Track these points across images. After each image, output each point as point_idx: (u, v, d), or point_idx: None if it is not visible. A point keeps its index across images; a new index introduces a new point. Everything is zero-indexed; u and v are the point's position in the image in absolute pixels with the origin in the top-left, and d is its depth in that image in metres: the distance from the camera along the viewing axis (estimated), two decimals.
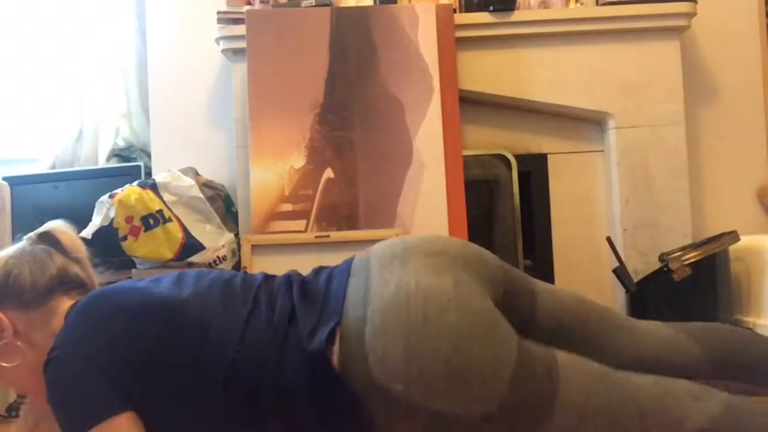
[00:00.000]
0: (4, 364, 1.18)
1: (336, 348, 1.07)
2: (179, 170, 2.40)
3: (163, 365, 1.10)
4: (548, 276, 2.50)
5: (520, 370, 1.03)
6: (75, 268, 1.27)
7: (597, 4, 2.51)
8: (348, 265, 1.21)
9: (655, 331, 1.33)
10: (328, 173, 2.34)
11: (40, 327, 1.19)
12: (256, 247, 2.22)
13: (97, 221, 2.26)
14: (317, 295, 1.17)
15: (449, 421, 1.01)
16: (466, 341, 1.02)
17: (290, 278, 1.24)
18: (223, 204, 2.43)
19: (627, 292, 2.26)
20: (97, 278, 1.33)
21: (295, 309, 1.15)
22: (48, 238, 1.28)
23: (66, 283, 1.24)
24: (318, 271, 1.27)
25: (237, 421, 1.11)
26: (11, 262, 1.22)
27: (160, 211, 2.27)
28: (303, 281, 1.23)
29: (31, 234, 1.29)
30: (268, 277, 1.26)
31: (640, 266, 2.37)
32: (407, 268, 1.10)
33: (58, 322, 1.18)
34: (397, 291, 1.07)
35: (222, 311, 1.15)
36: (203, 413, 1.11)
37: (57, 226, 1.32)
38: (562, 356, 1.10)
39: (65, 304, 1.21)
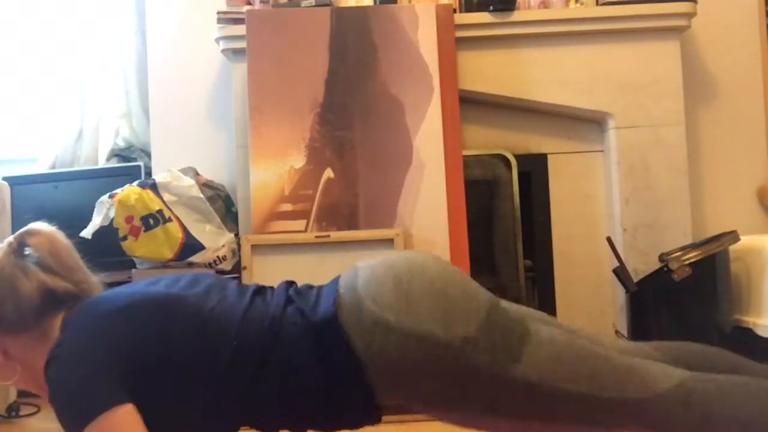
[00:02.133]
0: (6, 379, 1.20)
1: (334, 309, 1.14)
2: (179, 170, 2.40)
3: (165, 355, 1.11)
4: (548, 276, 2.50)
5: (494, 306, 1.16)
6: (58, 282, 1.19)
7: (597, 4, 2.51)
8: (335, 279, 1.26)
9: (636, 350, 1.33)
10: (328, 173, 2.34)
11: (35, 346, 1.17)
12: (256, 247, 2.21)
13: (97, 221, 2.26)
14: (310, 292, 1.23)
15: (438, 354, 1.10)
16: (446, 282, 1.16)
17: (281, 286, 1.27)
18: (223, 204, 2.43)
19: (627, 292, 2.26)
20: (96, 278, 1.28)
21: (290, 299, 1.20)
22: (22, 251, 1.20)
23: (53, 301, 1.19)
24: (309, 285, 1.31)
25: (239, 406, 1.13)
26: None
27: (160, 211, 2.27)
28: (296, 287, 1.27)
29: (11, 241, 1.21)
30: (260, 285, 1.29)
31: (640, 266, 2.37)
32: (390, 252, 1.23)
33: (54, 336, 1.17)
34: (384, 258, 1.21)
35: (221, 302, 1.18)
36: (205, 402, 1.12)
37: (36, 231, 1.23)
38: (533, 324, 1.18)
39: (59, 318, 1.19)
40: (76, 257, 1.26)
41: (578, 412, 1.13)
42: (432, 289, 1.14)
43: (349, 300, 1.13)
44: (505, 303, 1.21)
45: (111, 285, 1.29)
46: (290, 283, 1.27)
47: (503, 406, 1.13)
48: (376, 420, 1.18)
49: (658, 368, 1.17)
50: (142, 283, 1.24)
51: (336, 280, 1.21)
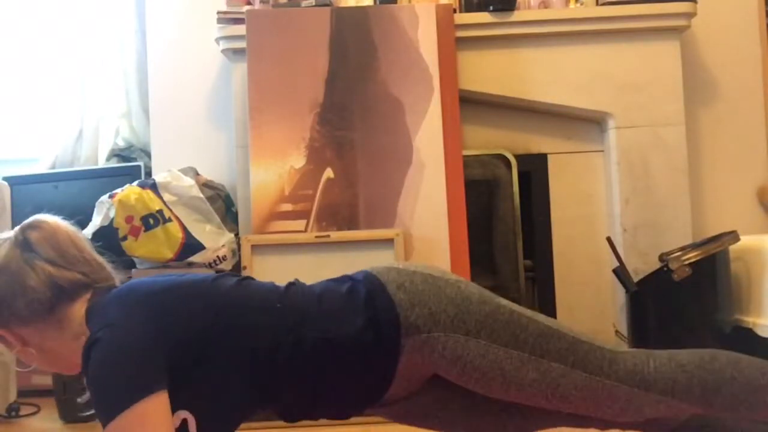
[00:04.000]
0: (21, 370, 1.22)
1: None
2: (179, 170, 2.40)
3: (208, 335, 1.13)
4: (548, 276, 2.51)
5: (487, 293, 1.22)
6: (65, 273, 1.19)
7: (597, 4, 2.51)
8: None
9: None
10: (328, 173, 2.34)
11: (54, 335, 1.19)
12: (256, 247, 2.21)
13: (97, 221, 2.26)
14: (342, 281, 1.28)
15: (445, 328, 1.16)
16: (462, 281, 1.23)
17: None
18: (223, 204, 2.43)
19: (627, 292, 2.26)
20: (109, 265, 1.29)
21: (321, 293, 1.24)
22: (27, 245, 1.20)
23: (64, 293, 1.19)
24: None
25: (275, 385, 1.16)
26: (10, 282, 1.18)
27: (160, 211, 2.27)
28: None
29: (16, 234, 1.21)
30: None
31: (640, 266, 2.37)
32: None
33: (74, 325, 1.19)
34: (406, 266, 1.26)
35: (258, 287, 1.23)
36: (244, 382, 1.14)
37: (38, 225, 1.22)
38: None
39: (76, 308, 1.20)
40: (82, 246, 1.25)
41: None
42: (456, 281, 1.23)
43: (389, 283, 1.20)
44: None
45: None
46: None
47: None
48: (380, 399, 1.22)
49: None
50: (167, 275, 1.27)
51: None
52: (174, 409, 1.08)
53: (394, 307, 1.16)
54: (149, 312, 1.13)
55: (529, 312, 1.22)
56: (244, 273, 2.17)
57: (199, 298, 1.17)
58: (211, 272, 1.34)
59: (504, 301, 1.22)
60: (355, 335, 1.16)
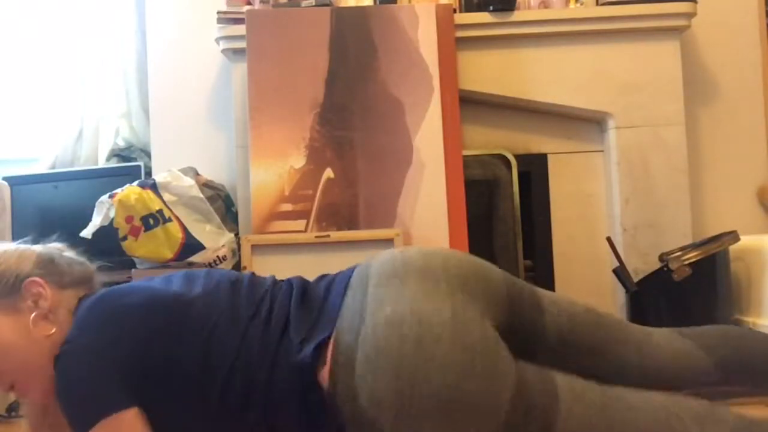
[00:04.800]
0: (40, 334, 1.19)
1: (326, 369, 1.07)
2: (179, 170, 2.40)
3: (169, 362, 1.12)
4: (548, 276, 2.50)
5: (515, 404, 1.01)
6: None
7: (597, 4, 2.51)
8: (349, 274, 1.22)
9: (666, 343, 1.30)
10: (328, 173, 2.34)
11: (63, 310, 1.22)
12: (256, 247, 2.21)
13: (97, 221, 2.26)
14: (315, 303, 1.19)
15: None
16: (459, 377, 0.99)
17: (292, 284, 1.26)
18: (223, 204, 2.43)
19: (627, 292, 2.26)
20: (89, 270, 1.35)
21: (290, 318, 1.17)
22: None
23: (86, 282, 1.29)
24: (321, 278, 1.29)
25: (229, 424, 1.13)
26: (55, 251, 1.29)
27: (160, 211, 2.27)
28: (304, 288, 1.24)
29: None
30: (275, 282, 1.28)
31: (640, 266, 2.37)
32: (404, 290, 1.08)
33: (70, 312, 1.22)
34: (392, 315, 1.04)
35: (227, 313, 1.17)
36: (201, 414, 1.13)
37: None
38: (562, 385, 1.08)
39: (75, 297, 1.25)
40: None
41: None
42: (439, 403, 0.98)
43: (340, 373, 1.03)
44: (529, 380, 1.06)
45: (110, 285, 1.30)
46: (297, 286, 1.25)
47: None
48: None
49: (694, 428, 1.06)
50: (157, 279, 1.27)
51: (342, 294, 1.15)
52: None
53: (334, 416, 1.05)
54: (115, 328, 1.13)
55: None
56: (244, 273, 2.17)
57: (165, 327, 1.14)
58: (205, 272, 1.31)
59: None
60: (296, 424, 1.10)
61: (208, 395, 1.12)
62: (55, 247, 1.32)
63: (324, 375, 1.06)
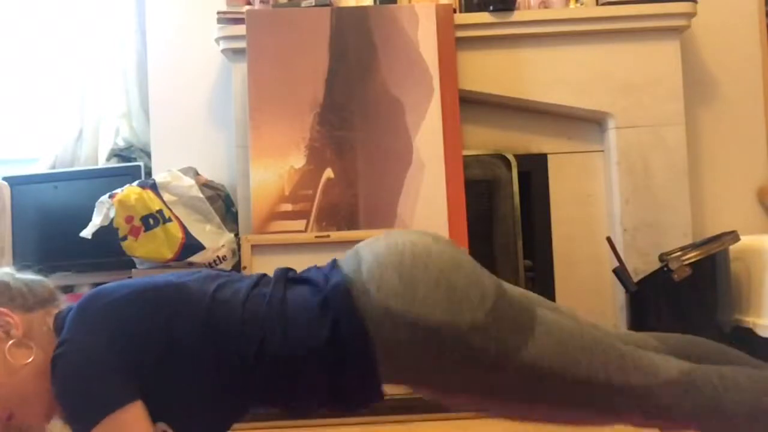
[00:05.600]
0: (19, 363, 1.15)
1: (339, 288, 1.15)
2: (179, 170, 2.40)
3: (171, 344, 1.11)
4: (548, 276, 2.50)
5: (501, 292, 1.16)
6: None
7: (597, 4, 2.51)
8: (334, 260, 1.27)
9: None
10: (328, 173, 2.34)
11: (38, 331, 1.19)
12: (256, 247, 2.21)
13: (97, 221, 2.26)
14: (312, 273, 1.24)
15: (446, 342, 1.11)
16: (452, 268, 1.15)
17: (281, 270, 1.27)
18: (223, 204, 2.43)
19: (627, 292, 2.26)
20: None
21: (293, 279, 1.22)
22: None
23: (52, 298, 1.25)
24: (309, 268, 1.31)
25: (247, 385, 1.14)
26: (7, 277, 1.24)
27: (160, 211, 2.27)
28: (293, 273, 1.27)
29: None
30: (263, 275, 1.28)
31: (640, 266, 2.36)
32: (393, 234, 1.24)
33: (49, 327, 1.19)
34: (387, 243, 1.19)
35: (225, 285, 1.19)
36: (213, 386, 1.13)
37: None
38: (542, 312, 1.19)
39: (51, 314, 1.22)
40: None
41: (582, 397, 1.15)
42: (438, 278, 1.13)
43: (357, 286, 1.14)
44: (508, 287, 1.22)
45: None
46: (288, 269, 1.27)
47: (509, 391, 1.15)
48: (379, 399, 1.18)
49: (662, 358, 1.18)
50: (142, 279, 1.25)
51: (335, 265, 1.21)
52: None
53: (359, 328, 1.12)
54: (108, 324, 1.12)
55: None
56: (244, 273, 2.17)
57: (161, 309, 1.14)
58: (195, 270, 1.30)
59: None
60: (319, 350, 1.13)
61: (218, 359, 1.11)
62: (5, 272, 1.25)
63: (349, 295, 1.13)
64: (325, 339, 1.12)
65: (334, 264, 1.22)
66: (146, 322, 1.13)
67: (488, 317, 1.12)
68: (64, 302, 1.27)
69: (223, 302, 1.15)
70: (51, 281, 1.28)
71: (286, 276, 1.23)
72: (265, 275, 1.26)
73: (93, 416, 1.06)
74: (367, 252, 1.19)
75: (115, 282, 1.23)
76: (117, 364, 1.09)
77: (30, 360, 1.15)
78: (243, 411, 1.21)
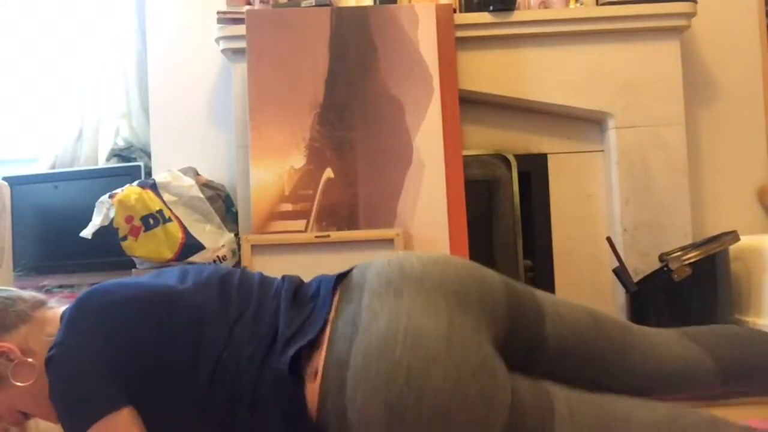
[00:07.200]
0: (23, 384, 1.15)
1: (317, 383, 1.05)
2: (179, 170, 2.40)
3: (159, 357, 1.10)
4: (548, 276, 2.50)
5: (509, 427, 0.99)
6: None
7: (597, 4, 2.51)
8: (334, 277, 1.21)
9: (671, 349, 1.29)
10: (328, 173, 2.34)
11: (35, 338, 1.17)
12: (256, 247, 2.21)
13: (97, 221, 2.26)
14: (305, 301, 1.18)
15: None
16: (452, 408, 0.96)
17: (283, 283, 1.25)
18: (223, 204, 2.43)
19: (627, 292, 2.26)
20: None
21: (279, 316, 1.15)
22: None
23: (39, 304, 1.23)
24: (313, 279, 1.27)
25: (217, 421, 1.11)
26: None
27: (160, 211, 2.27)
28: (295, 289, 1.23)
29: None
30: (264, 279, 1.27)
31: (640, 266, 2.37)
32: (400, 303, 1.05)
33: (52, 327, 1.18)
34: (386, 332, 1.02)
35: (216, 308, 1.16)
36: (191, 409, 1.11)
37: None
38: (559, 400, 1.06)
39: (52, 312, 1.21)
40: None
41: None
42: (431, 417, 0.95)
43: (329, 390, 1.02)
44: (524, 401, 1.04)
45: None
46: (289, 283, 1.24)
47: None
48: None
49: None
50: (147, 276, 1.24)
51: (330, 292, 1.15)
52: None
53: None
54: (101, 327, 1.11)
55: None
56: (236, 269, 2.16)
57: (153, 314, 1.13)
58: (201, 265, 1.29)
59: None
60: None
61: (196, 391, 1.09)
62: None
63: (314, 387, 1.04)
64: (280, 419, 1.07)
65: (333, 292, 1.15)
66: (140, 329, 1.11)
67: None
68: (57, 299, 1.25)
69: (208, 334, 1.12)
70: (28, 291, 1.25)
71: (279, 306, 1.17)
72: (263, 283, 1.23)
73: (84, 421, 1.05)
74: (366, 321, 1.04)
75: (115, 280, 1.23)
76: (109, 366, 1.08)
77: (35, 377, 1.15)
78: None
